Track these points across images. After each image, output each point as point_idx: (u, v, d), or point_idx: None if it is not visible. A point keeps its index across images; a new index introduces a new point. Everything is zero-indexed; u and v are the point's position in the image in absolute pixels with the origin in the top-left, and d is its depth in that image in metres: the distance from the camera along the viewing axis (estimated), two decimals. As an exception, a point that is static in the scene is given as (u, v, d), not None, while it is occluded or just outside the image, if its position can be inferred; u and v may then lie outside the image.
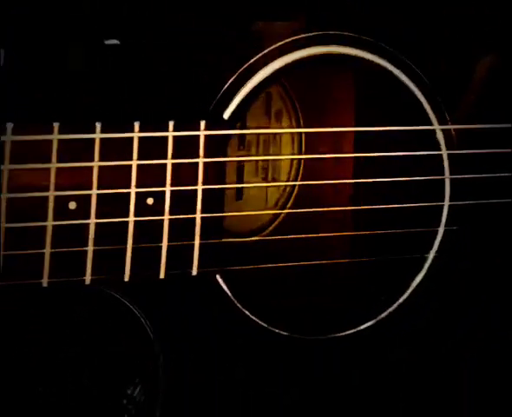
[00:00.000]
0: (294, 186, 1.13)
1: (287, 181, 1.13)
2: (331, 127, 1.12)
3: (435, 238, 1.01)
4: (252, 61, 0.93)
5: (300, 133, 1.12)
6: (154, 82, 0.90)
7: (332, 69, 1.05)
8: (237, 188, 1.09)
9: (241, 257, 0.95)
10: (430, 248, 1.01)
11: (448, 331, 1.02)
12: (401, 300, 1.00)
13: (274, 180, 1.12)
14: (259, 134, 1.11)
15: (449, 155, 1.00)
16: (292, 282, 0.99)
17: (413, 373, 1.01)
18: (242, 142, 1.08)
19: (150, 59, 0.90)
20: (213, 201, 0.91)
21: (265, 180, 1.12)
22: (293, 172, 1.13)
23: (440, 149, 1.00)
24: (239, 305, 0.94)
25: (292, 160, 1.12)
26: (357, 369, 0.99)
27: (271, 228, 1.11)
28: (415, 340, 1.01)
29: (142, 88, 0.90)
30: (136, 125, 0.88)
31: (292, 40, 0.95)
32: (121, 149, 0.88)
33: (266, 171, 1.12)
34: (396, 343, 1.00)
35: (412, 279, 1.00)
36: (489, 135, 1.01)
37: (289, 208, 1.13)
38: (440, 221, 1.01)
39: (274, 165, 1.12)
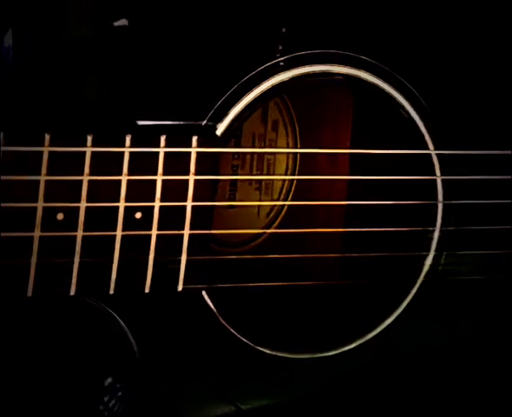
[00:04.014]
0: (288, 195, 1.12)
1: (281, 188, 1.12)
2: (328, 139, 1.12)
3: (425, 260, 1.01)
4: (248, 76, 0.92)
5: (295, 142, 1.12)
6: (147, 95, 0.90)
7: (332, 85, 1.04)
8: (229, 196, 1.09)
9: (228, 273, 0.95)
10: (421, 270, 1.00)
11: (437, 352, 1.02)
12: (389, 321, 0.99)
13: (267, 188, 1.12)
14: (253, 140, 1.10)
15: (443, 180, 0.99)
16: (278, 300, 0.99)
17: (401, 395, 1.01)
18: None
19: (143, 70, 0.89)
20: (202, 217, 0.91)
21: (258, 189, 1.11)
22: (287, 182, 1.12)
23: (434, 174, 0.99)
24: (223, 322, 0.94)
25: (287, 165, 1.12)
26: (343, 389, 0.99)
27: (261, 239, 1.11)
28: (402, 360, 1.01)
29: (135, 100, 0.89)
30: (128, 139, 0.87)
31: (291, 56, 0.94)
32: (111, 162, 0.87)
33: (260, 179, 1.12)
34: (383, 364, 1.00)
35: (401, 301, 1.00)
36: (486, 160, 1.00)
37: (281, 217, 1.12)
38: (431, 244, 1.00)
39: (269, 173, 1.11)
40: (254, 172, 1.10)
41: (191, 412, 0.95)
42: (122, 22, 0.88)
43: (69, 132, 0.86)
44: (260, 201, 1.12)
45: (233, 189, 1.09)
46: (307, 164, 1.11)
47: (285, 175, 1.11)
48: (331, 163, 1.08)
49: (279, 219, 1.12)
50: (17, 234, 0.85)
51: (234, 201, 1.09)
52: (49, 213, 0.86)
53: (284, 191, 1.12)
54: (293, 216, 1.11)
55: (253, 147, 1.09)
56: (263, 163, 1.10)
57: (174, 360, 0.93)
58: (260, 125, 1.10)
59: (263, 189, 1.11)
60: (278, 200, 1.12)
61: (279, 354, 0.96)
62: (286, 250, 0.99)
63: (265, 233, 1.10)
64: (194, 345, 0.94)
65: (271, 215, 1.12)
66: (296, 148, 1.11)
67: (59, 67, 0.87)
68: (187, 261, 0.91)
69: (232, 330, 0.94)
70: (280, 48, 0.93)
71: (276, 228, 1.12)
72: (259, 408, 0.96)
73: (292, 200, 1.12)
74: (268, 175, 1.10)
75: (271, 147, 1.10)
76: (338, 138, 1.11)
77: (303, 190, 1.11)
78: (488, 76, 1.00)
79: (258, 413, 0.96)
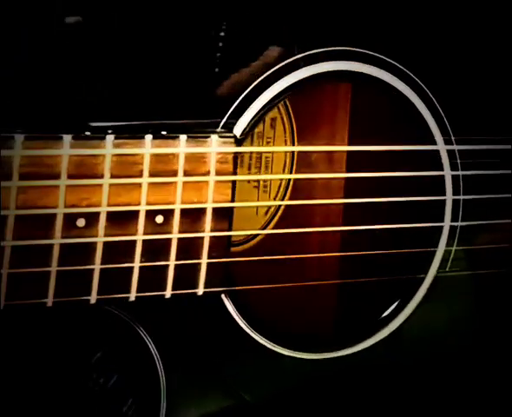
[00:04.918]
0: (285, 192, 1.11)
1: (279, 186, 1.11)
2: (325, 135, 1.11)
3: (433, 257, 1.01)
4: (261, 78, 0.91)
5: (293, 137, 1.10)
6: (164, 95, 0.87)
7: (333, 81, 1.03)
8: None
9: (243, 275, 0.93)
10: (430, 266, 1.00)
11: (445, 350, 1.02)
12: (400, 318, 0.99)
13: (266, 186, 1.10)
14: (252, 138, 1.08)
15: (452, 176, 0.99)
16: (295, 299, 0.98)
17: (414, 395, 1.02)
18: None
19: (161, 71, 0.87)
20: (223, 218, 0.89)
21: (256, 187, 1.10)
22: (285, 181, 1.11)
23: (443, 169, 0.99)
24: (242, 324, 0.92)
25: (285, 163, 1.10)
26: (359, 388, 0.99)
27: (260, 237, 1.09)
28: (415, 358, 1.01)
29: (153, 100, 0.87)
30: (148, 140, 0.85)
31: (304, 56, 0.92)
32: (131, 163, 0.85)
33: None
34: (394, 363, 1.00)
35: (410, 299, 1.00)
36: (494, 155, 1.01)
37: (279, 215, 1.11)
38: (439, 241, 1.00)
39: (267, 171, 1.10)
40: (253, 170, 1.08)
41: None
42: (75, 19, 0.85)
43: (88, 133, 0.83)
44: (258, 199, 1.10)
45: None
46: (304, 161, 1.10)
47: (283, 166, 1.10)
48: (329, 161, 1.08)
49: (277, 217, 1.11)
50: (37, 242, 0.81)
51: (235, 197, 1.07)
52: (69, 219, 0.82)
53: (282, 188, 1.11)
54: (291, 214, 1.10)
55: (252, 145, 1.07)
56: (261, 161, 1.09)
57: (194, 364, 0.91)
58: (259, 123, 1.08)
59: (261, 187, 1.10)
60: (275, 198, 1.11)
61: (298, 355, 0.95)
62: (286, 248, 0.98)
63: (268, 225, 1.08)
64: (214, 348, 0.92)
65: (269, 213, 1.11)
66: (293, 141, 1.10)
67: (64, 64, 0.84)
68: (208, 264, 0.89)
69: (250, 332, 0.93)
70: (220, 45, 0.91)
71: (274, 225, 1.10)
72: (275, 406, 0.95)
73: (290, 197, 1.10)
74: (267, 166, 1.08)
75: (268, 145, 1.09)
76: (336, 133, 1.10)
77: (300, 188, 1.10)
78: (496, 71, 1.01)
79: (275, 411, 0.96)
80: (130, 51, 0.85)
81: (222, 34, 0.89)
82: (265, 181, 1.10)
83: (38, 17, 0.82)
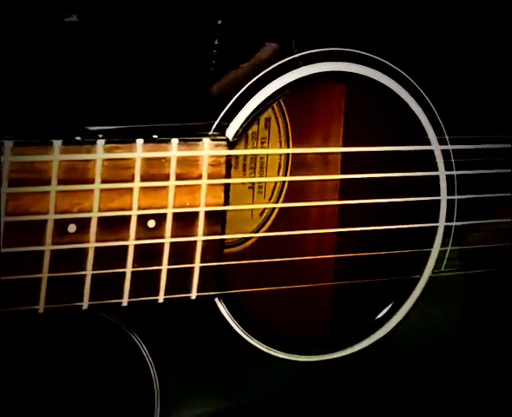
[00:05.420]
0: (280, 194, 1.11)
1: (274, 187, 1.10)
2: (320, 136, 1.11)
3: (428, 258, 1.00)
4: (253, 80, 0.90)
5: (288, 138, 1.10)
6: (156, 97, 0.87)
7: (327, 82, 1.02)
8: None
9: (236, 277, 0.93)
10: (425, 266, 1.00)
11: (441, 351, 1.02)
12: (396, 319, 0.99)
13: (261, 187, 1.10)
14: (246, 139, 1.08)
15: (446, 176, 0.98)
16: (288, 303, 0.97)
17: (410, 396, 1.01)
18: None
19: (152, 74, 0.86)
20: (216, 222, 0.89)
21: (251, 188, 1.09)
22: (279, 183, 1.10)
23: (437, 170, 0.99)
24: (236, 327, 0.92)
25: (279, 164, 1.10)
26: (354, 390, 0.99)
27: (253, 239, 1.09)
28: (410, 361, 1.01)
29: (145, 102, 0.86)
30: (139, 144, 0.84)
31: (298, 56, 0.92)
32: (123, 168, 0.84)
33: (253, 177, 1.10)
34: (389, 364, 1.00)
35: (405, 299, 1.00)
36: (489, 154, 1.00)
37: (275, 216, 1.11)
38: (433, 241, 1.00)
39: (262, 172, 1.09)
40: (247, 171, 1.08)
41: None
42: (72, 18, 0.84)
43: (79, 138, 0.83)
44: (253, 200, 1.09)
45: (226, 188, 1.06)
46: (299, 162, 1.09)
47: (278, 168, 1.09)
48: (324, 161, 1.07)
49: (272, 218, 1.11)
50: (27, 248, 0.81)
51: (228, 200, 1.07)
52: (60, 225, 0.82)
53: (277, 189, 1.11)
54: (286, 215, 1.09)
55: (246, 146, 1.07)
56: (256, 162, 1.08)
57: (188, 369, 0.91)
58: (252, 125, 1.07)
59: (256, 189, 1.09)
60: (270, 198, 1.10)
61: (292, 358, 0.95)
62: (282, 248, 0.98)
63: (262, 227, 1.08)
64: (209, 352, 0.91)
65: (264, 215, 1.10)
66: (288, 146, 1.10)
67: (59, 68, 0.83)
68: (201, 267, 0.88)
69: (244, 335, 0.92)
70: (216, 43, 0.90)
71: (270, 226, 1.10)
72: (270, 409, 0.95)
73: (285, 197, 1.10)
74: (262, 169, 1.08)
75: (263, 145, 1.08)
76: (329, 136, 1.10)
77: (295, 189, 1.09)
78: (490, 70, 1.00)
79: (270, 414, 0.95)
80: (121, 53, 0.85)
81: (217, 33, 0.88)
82: (259, 182, 1.10)
83: (27, 23, 0.82)
